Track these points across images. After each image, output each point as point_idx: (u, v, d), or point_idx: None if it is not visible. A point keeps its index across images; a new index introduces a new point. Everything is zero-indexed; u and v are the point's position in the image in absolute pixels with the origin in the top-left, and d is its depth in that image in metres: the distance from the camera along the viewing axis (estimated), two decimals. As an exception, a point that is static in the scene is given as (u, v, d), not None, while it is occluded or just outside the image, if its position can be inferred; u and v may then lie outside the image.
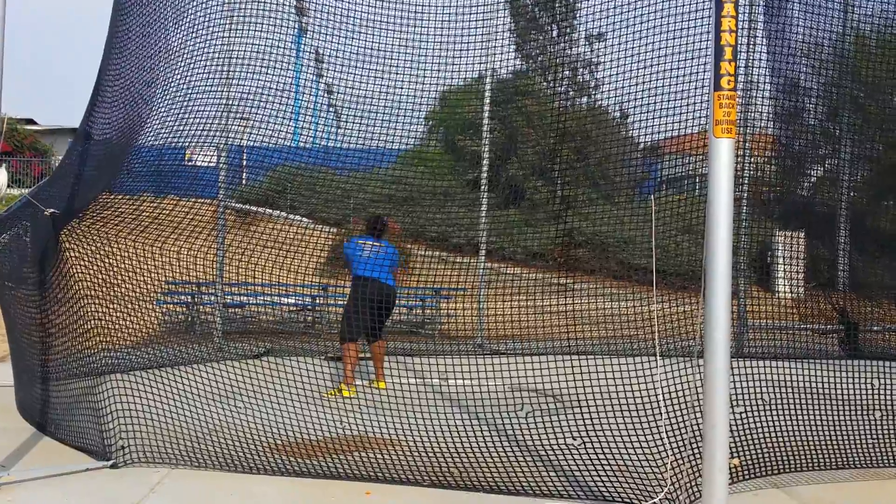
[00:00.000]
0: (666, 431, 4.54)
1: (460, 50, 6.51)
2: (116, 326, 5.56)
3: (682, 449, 4.31)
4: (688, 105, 4.94)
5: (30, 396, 5.76)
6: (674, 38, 5.13)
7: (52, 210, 5.07)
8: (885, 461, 5.07)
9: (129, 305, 5.76)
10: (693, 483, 4.18)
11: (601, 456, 4.61)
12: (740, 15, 3.62)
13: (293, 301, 10.57)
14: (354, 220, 11.41)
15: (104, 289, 5.35)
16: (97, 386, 5.17)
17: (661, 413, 4.55)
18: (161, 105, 5.91)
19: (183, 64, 5.91)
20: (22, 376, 5.94)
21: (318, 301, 11.12)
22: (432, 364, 5.72)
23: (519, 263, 12.19)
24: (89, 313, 5.21)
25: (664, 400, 4.67)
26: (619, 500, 4.31)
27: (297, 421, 5.10)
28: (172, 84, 5.93)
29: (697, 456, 4.03)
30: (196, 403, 5.24)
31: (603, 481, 4.45)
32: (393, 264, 7.48)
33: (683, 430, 4.41)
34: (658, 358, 4.59)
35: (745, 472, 4.70)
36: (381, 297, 7.26)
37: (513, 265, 11.79)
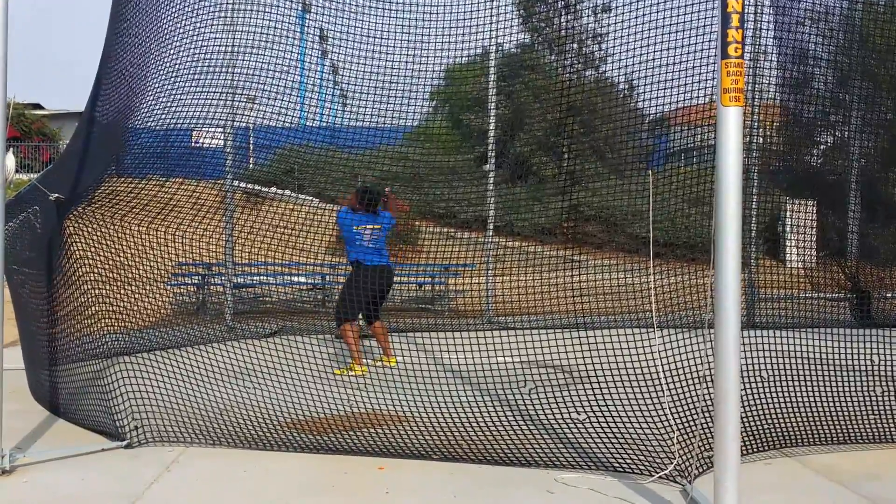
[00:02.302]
0: (674, 403, 4.55)
1: (465, 25, 6.46)
2: (125, 309, 5.59)
3: (693, 420, 4.31)
4: (695, 75, 4.90)
5: (41, 379, 5.81)
6: (681, 7, 5.07)
7: (56, 195, 5.08)
8: (888, 437, 5.01)
9: (138, 288, 5.79)
10: (703, 454, 4.19)
11: (611, 428, 4.63)
12: (747, -19, 3.58)
13: (303, 280, 10.60)
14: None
15: (111, 272, 5.38)
16: (109, 367, 5.21)
17: (665, 384, 4.56)
18: (166, 87, 5.89)
19: (187, 45, 5.88)
20: (33, 360, 6.00)
21: (327, 279, 11.15)
22: (443, 340, 5.73)
23: (527, 239, 12.17)
24: (96, 296, 5.24)
25: (665, 371, 4.68)
26: (630, 472, 4.32)
27: (310, 398, 5.13)
28: (176, 65, 5.91)
29: (708, 426, 4.03)
30: (209, 383, 5.29)
31: (612, 453, 4.47)
32: (385, 230, 7.39)
33: (694, 402, 4.42)
34: (656, 329, 4.60)
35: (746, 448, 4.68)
36: (381, 282, 7.24)
37: (521, 240, 11.77)
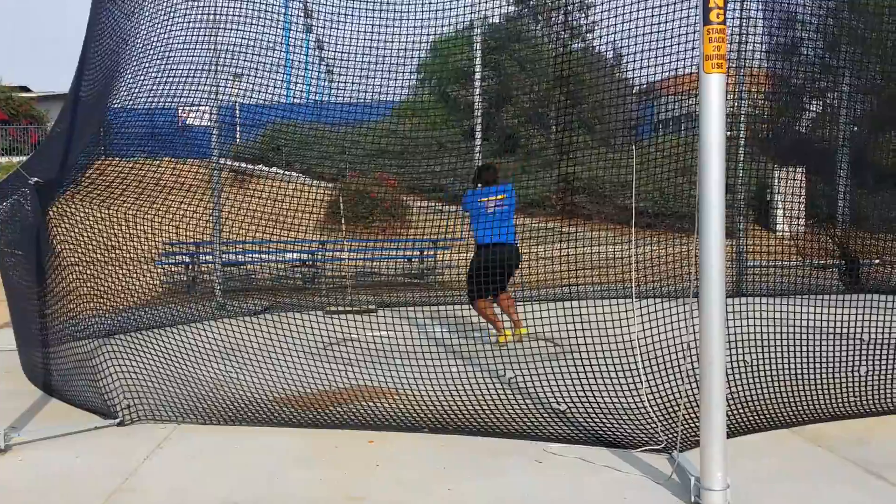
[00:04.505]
0: (653, 375, 4.57)
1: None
2: (114, 289, 5.58)
3: (681, 391, 4.34)
4: (682, 43, 4.88)
5: (34, 360, 5.83)
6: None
7: (36, 179, 5.05)
8: (873, 409, 4.99)
9: (127, 268, 5.78)
10: (691, 424, 4.22)
11: (599, 400, 4.66)
12: (730, -54, 3.55)
13: (293, 257, 10.60)
14: (351, 175, 11.38)
15: (98, 253, 5.37)
16: (100, 347, 5.23)
17: (640, 357, 4.59)
18: (151, 66, 5.84)
19: (170, 23, 5.83)
20: (25, 340, 6.01)
21: (317, 256, 11.15)
22: (434, 314, 5.76)
23: (517, 212, 12.13)
24: (84, 278, 5.24)
25: (651, 343, 4.71)
26: (618, 444, 4.36)
27: (301, 374, 5.16)
28: (161, 44, 5.86)
29: (695, 397, 4.05)
30: (200, 360, 5.31)
31: (601, 426, 4.51)
32: (512, 207, 7.26)
33: (681, 373, 4.44)
34: (635, 302, 4.61)
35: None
36: (506, 260, 7.10)
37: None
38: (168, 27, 5.81)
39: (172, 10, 5.81)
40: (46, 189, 5.13)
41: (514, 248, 7.24)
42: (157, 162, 6.48)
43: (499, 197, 7.27)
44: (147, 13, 5.90)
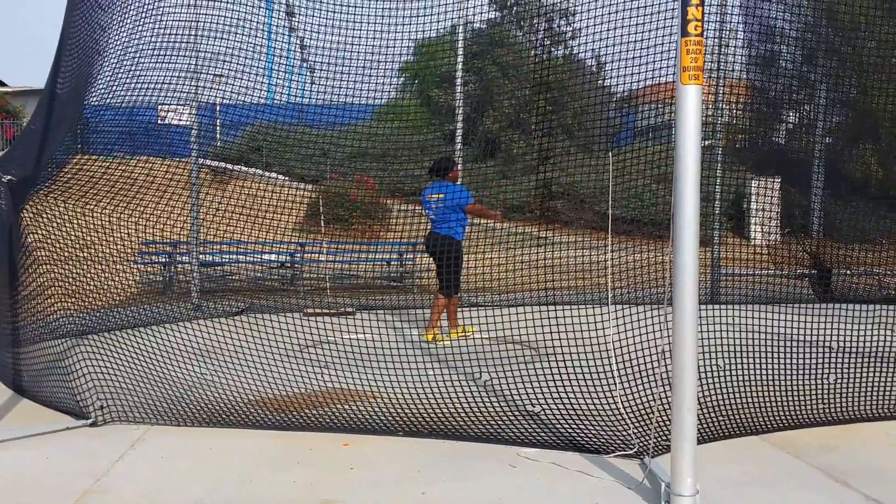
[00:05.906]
0: (626, 380, 4.61)
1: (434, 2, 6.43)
2: (88, 289, 5.54)
3: (653, 397, 4.38)
4: (662, 52, 4.94)
5: (4, 360, 5.76)
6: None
7: (9, 177, 5.00)
8: (841, 417, 5.05)
9: (101, 268, 5.74)
10: (662, 430, 4.27)
11: (573, 406, 4.69)
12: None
13: (271, 258, 10.56)
14: (332, 176, 11.36)
15: (72, 252, 5.33)
16: (73, 347, 5.18)
17: (616, 364, 4.62)
18: (131, 65, 5.81)
19: (151, 21, 5.80)
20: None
21: (296, 257, 11.12)
22: (411, 317, 5.75)
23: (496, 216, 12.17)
24: (57, 277, 5.19)
25: (626, 350, 4.74)
26: (592, 450, 4.39)
27: (276, 376, 5.14)
28: (142, 42, 5.83)
29: (667, 403, 4.10)
30: (175, 361, 5.28)
31: (575, 431, 4.54)
32: (461, 202, 7.29)
33: (654, 378, 4.49)
34: (610, 307, 4.65)
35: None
36: (438, 249, 7.20)
37: (491, 218, 11.77)
38: (147, 25, 5.78)
39: (150, 6, 5.78)
40: (20, 187, 5.08)
41: (446, 238, 7.23)
42: (135, 160, 6.45)
43: (437, 196, 7.31)
44: (122, 7, 5.86)
